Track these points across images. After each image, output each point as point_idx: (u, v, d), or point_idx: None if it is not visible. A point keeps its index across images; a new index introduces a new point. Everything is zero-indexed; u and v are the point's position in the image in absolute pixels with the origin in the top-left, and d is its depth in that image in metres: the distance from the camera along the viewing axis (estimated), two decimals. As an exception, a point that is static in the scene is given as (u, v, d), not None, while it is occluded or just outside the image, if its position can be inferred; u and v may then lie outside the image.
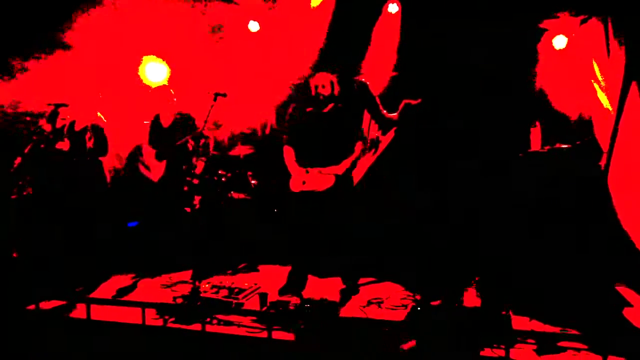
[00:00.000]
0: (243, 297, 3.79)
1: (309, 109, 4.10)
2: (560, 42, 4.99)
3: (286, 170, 4.11)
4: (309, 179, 3.90)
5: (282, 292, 3.93)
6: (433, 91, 4.51)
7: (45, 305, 3.79)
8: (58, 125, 4.55)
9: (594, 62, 4.29)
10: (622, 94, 3.73)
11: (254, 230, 5.03)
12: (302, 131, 4.08)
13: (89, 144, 4.43)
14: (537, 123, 4.49)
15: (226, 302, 3.71)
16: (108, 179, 4.63)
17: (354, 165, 4.04)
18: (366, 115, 4.64)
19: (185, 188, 4.43)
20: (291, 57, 5.40)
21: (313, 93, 4.00)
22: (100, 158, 4.56)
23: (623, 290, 3.74)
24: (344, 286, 4.03)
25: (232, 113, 5.65)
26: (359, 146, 4.03)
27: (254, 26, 5.70)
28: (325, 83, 3.97)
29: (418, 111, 4.47)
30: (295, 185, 3.94)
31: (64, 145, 4.40)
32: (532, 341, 2.93)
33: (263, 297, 3.65)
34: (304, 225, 3.98)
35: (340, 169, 3.92)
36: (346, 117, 4.04)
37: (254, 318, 3.42)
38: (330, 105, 4.02)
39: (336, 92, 4.03)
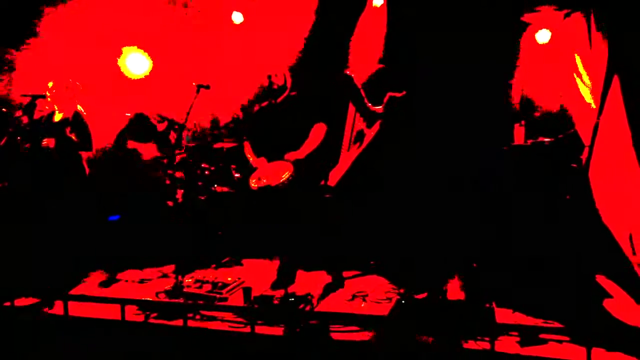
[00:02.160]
0: (227, 292, 3.75)
1: (264, 103, 4.12)
2: (543, 36, 5.01)
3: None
4: (266, 172, 3.84)
5: (273, 286, 3.89)
6: (419, 85, 4.51)
7: (22, 302, 3.71)
8: (35, 117, 4.43)
9: (576, 55, 4.31)
10: (605, 87, 3.76)
11: (237, 224, 4.98)
12: (259, 124, 4.09)
13: (71, 137, 4.31)
14: (522, 122, 4.52)
15: (209, 297, 3.67)
16: (87, 172, 4.53)
17: (312, 147, 3.91)
18: (351, 108, 4.62)
19: (168, 181, 4.37)
20: (275, 48, 5.33)
21: (266, 83, 4.00)
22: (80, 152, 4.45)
23: (603, 281, 3.79)
24: (329, 279, 4.03)
25: (216, 105, 5.58)
26: (317, 127, 3.95)
27: (237, 17, 5.63)
28: (278, 73, 4.00)
29: (403, 104, 4.46)
30: (252, 181, 3.86)
31: (49, 142, 4.25)
32: (516, 333, 2.95)
33: (247, 291, 3.61)
34: (271, 221, 3.95)
35: (301, 153, 3.85)
36: (302, 105, 4.01)
37: (237, 313, 3.38)
38: (284, 95, 4.01)
39: (289, 83, 4.03)
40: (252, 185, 3.83)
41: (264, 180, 3.78)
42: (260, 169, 3.91)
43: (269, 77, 3.98)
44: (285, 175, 3.72)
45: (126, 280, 4.37)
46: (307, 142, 3.91)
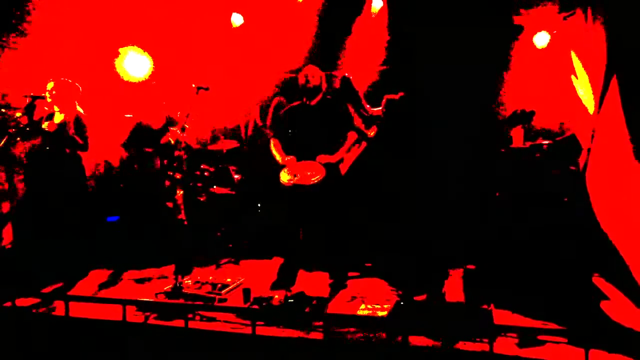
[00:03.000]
0: (226, 293, 3.76)
1: (296, 102, 4.08)
2: (541, 39, 5.03)
3: (269, 166, 4.07)
4: (299, 171, 3.83)
5: (273, 287, 3.89)
6: (419, 86, 4.53)
7: (23, 302, 3.71)
8: (35, 117, 4.43)
9: (574, 57, 4.33)
10: (603, 90, 3.77)
11: (237, 225, 5.00)
12: (290, 123, 4.04)
13: (73, 137, 4.31)
14: (522, 124, 4.54)
15: (209, 297, 3.68)
16: (87, 173, 4.53)
17: (343, 154, 3.99)
18: (350, 109, 4.64)
19: (167, 183, 4.38)
20: (276, 52, 5.35)
21: (302, 82, 3.96)
22: (79, 152, 4.45)
23: (600, 283, 3.81)
24: (331, 280, 4.03)
25: (216, 107, 5.59)
26: (351, 135, 3.99)
27: (237, 19, 5.64)
28: (314, 74, 3.97)
29: (400, 106, 4.48)
30: (286, 177, 3.85)
31: (50, 126, 4.25)
32: (514, 335, 2.97)
33: (246, 292, 3.62)
34: (294, 220, 3.95)
35: (334, 158, 3.88)
36: (336, 108, 4.02)
37: (237, 314, 3.40)
38: (319, 97, 3.99)
39: (324, 86, 4.02)
40: (285, 180, 3.81)
41: (298, 178, 3.78)
42: (291, 166, 3.87)
43: (306, 76, 3.94)
44: (317, 178, 3.74)
45: (127, 279, 4.37)
46: (343, 148, 3.92)
